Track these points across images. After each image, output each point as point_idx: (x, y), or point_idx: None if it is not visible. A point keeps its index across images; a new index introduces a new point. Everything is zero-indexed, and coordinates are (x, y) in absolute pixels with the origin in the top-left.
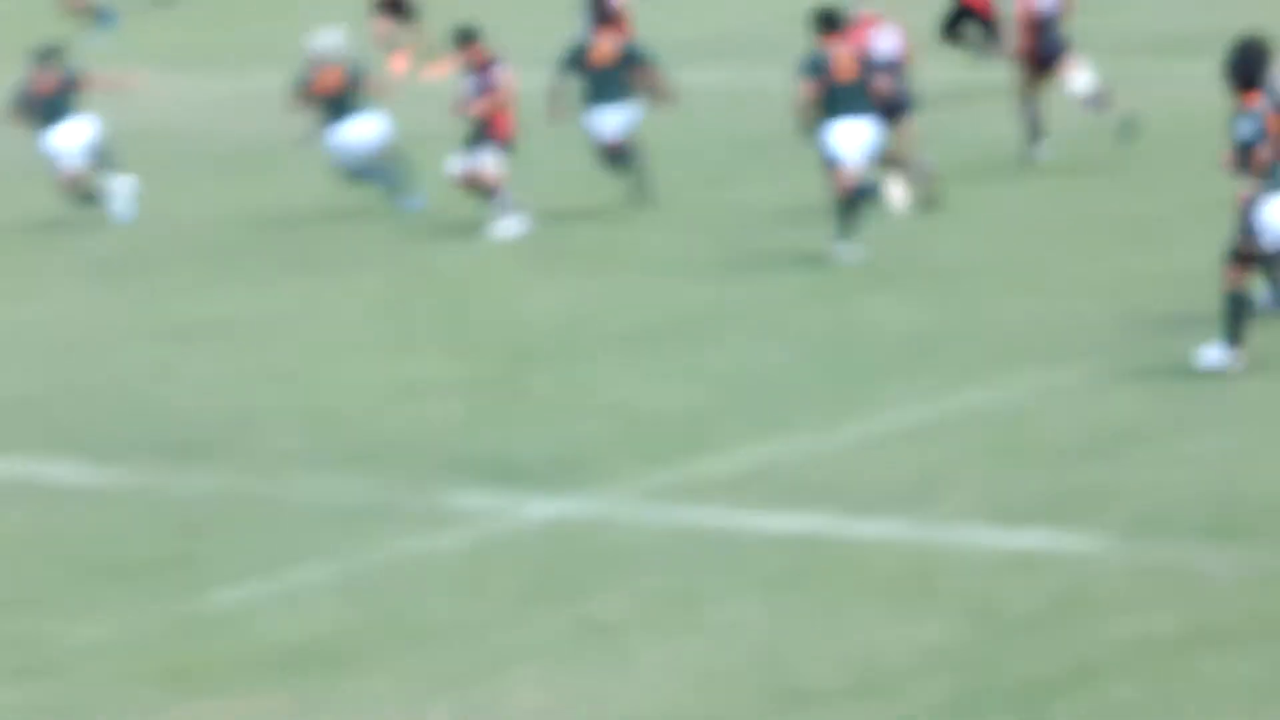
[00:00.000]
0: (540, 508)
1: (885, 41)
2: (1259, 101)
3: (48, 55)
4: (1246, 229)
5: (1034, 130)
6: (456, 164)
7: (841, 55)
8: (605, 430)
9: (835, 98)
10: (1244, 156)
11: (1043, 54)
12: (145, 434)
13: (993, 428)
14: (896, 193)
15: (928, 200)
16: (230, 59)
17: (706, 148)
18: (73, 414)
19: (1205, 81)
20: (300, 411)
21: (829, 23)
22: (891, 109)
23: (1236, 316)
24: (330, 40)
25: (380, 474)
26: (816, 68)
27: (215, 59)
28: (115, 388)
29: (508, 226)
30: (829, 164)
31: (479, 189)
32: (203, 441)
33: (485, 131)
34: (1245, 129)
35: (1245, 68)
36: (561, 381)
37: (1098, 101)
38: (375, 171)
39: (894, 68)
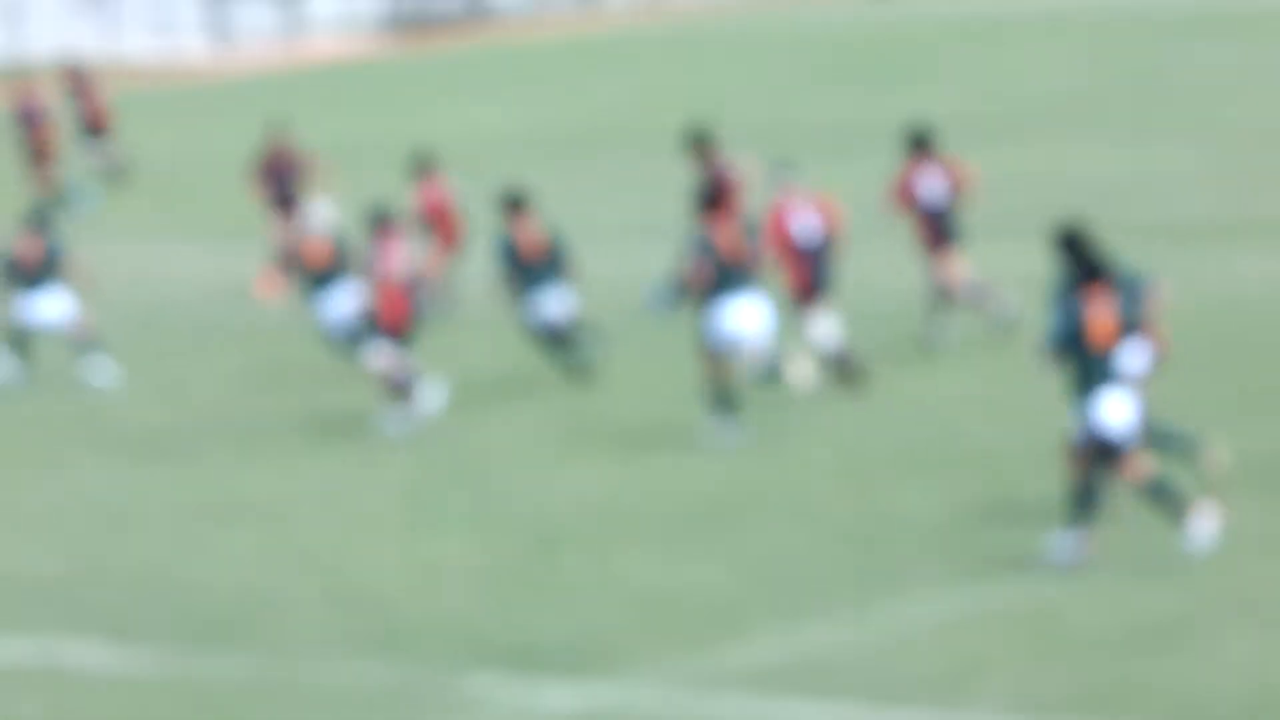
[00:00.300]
0: (561, 695)
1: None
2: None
3: (37, 222)
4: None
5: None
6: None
7: (727, 233)
8: (629, 616)
9: (726, 276)
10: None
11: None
12: (167, 615)
13: (1024, 619)
14: (802, 370)
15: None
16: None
17: None
18: (96, 594)
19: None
20: (323, 593)
21: (711, 201)
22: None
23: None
24: (321, 212)
25: (402, 658)
26: (704, 247)
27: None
28: (139, 568)
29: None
30: (721, 346)
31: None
32: (225, 623)
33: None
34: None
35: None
36: (586, 565)
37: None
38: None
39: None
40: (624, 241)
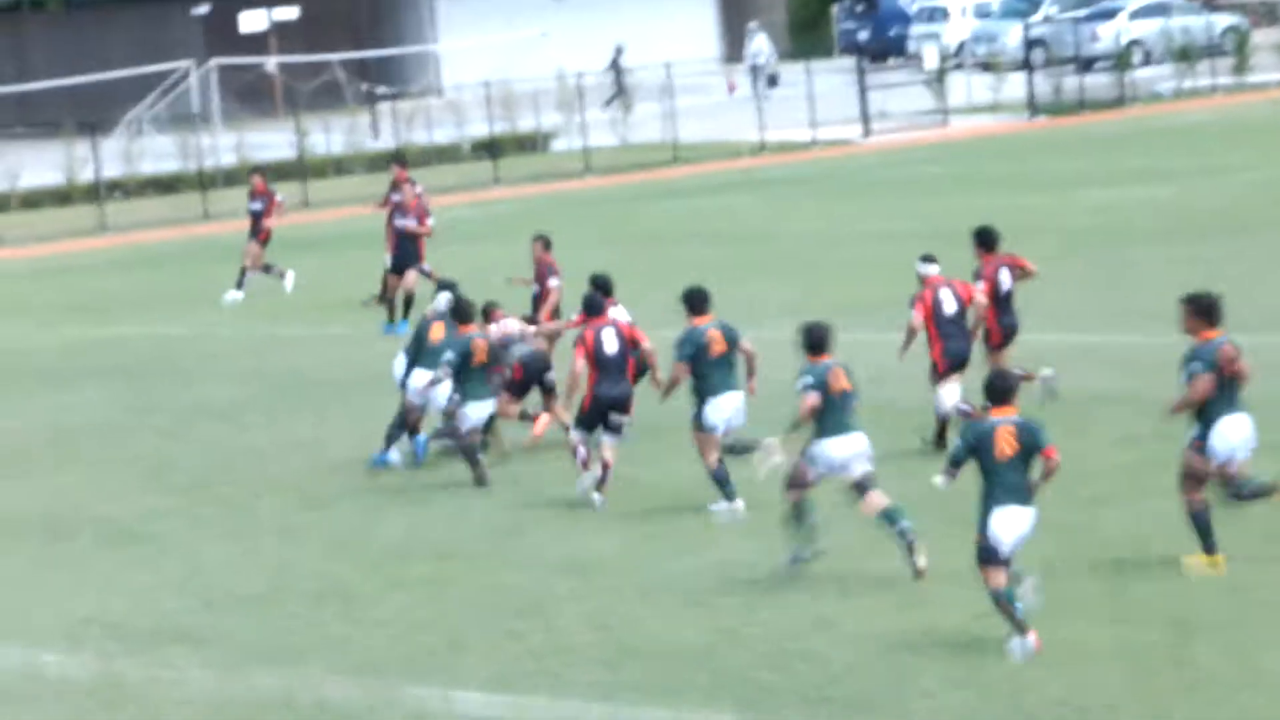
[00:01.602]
0: None
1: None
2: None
3: None
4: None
5: None
6: None
7: (713, 333)
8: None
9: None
10: None
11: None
12: (797, 686)
13: None
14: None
15: None
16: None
17: None
18: (732, 664)
19: None
20: (945, 677)
21: (693, 303)
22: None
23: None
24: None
25: None
26: (692, 345)
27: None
28: (776, 637)
29: None
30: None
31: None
32: (852, 697)
33: None
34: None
35: None
36: (1224, 652)
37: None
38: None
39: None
40: None
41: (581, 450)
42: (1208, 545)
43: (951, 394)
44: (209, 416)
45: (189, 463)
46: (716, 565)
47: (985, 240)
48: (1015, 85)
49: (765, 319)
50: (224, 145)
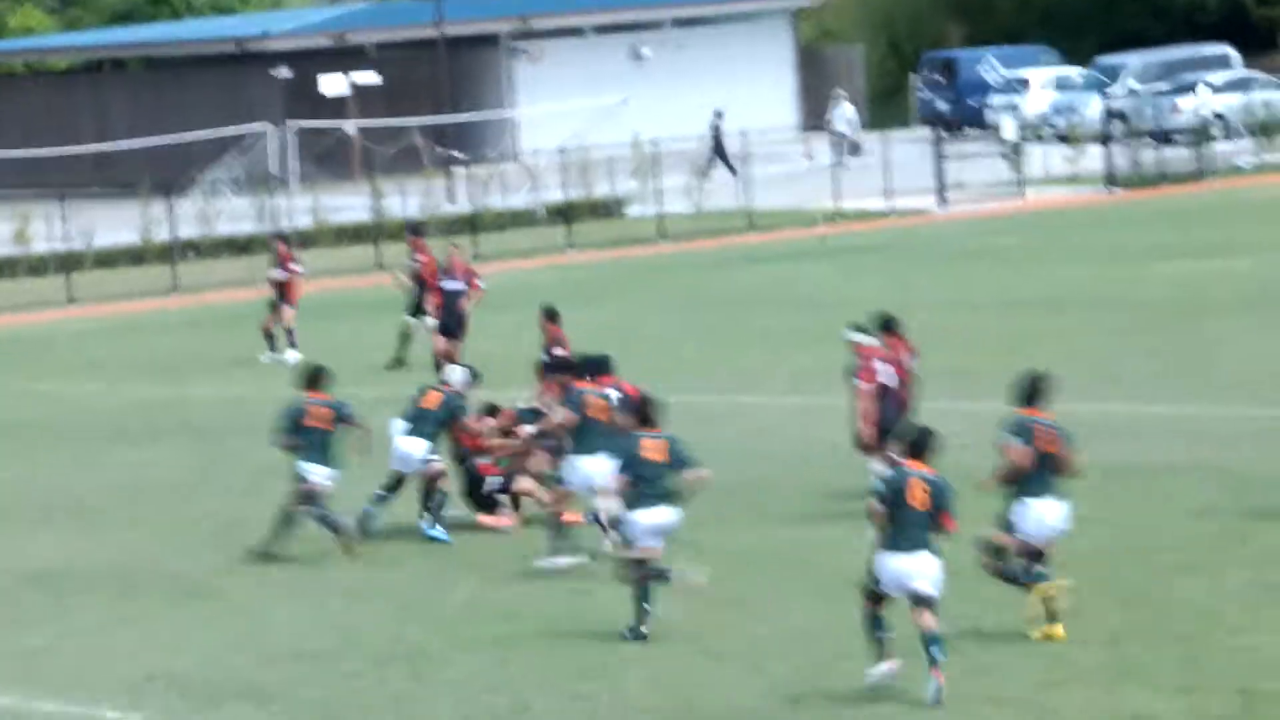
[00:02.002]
0: None
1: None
2: None
3: None
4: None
5: None
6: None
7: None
8: None
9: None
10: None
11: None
12: None
13: None
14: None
15: None
16: None
17: None
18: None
19: None
20: None
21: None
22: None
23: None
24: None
25: None
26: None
27: None
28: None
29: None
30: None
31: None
32: None
33: None
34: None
35: None
36: None
37: None
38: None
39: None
40: None
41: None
42: (1029, 581)
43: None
44: (278, 476)
45: (258, 521)
46: (781, 631)
47: (889, 326)
48: (1093, 158)
49: (835, 386)
50: (300, 207)
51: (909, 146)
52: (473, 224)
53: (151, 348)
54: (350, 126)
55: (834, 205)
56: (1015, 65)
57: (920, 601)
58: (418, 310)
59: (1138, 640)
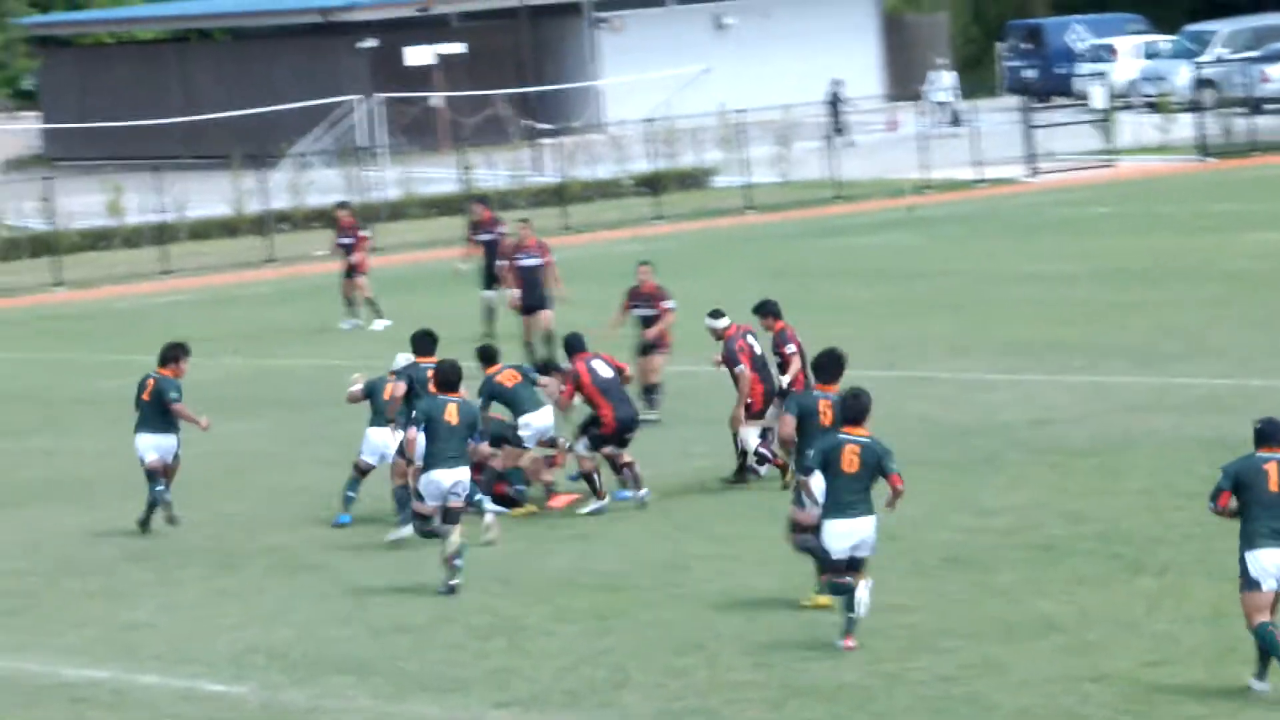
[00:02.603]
0: None
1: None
2: None
3: None
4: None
5: None
6: None
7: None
8: None
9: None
10: None
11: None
12: None
13: None
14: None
15: None
16: None
17: None
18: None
19: None
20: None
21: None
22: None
23: None
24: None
25: None
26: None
27: None
28: (934, 682)
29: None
30: None
31: None
32: None
33: None
34: None
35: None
36: None
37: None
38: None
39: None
40: None
41: (598, 478)
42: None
43: (753, 434)
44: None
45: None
46: (880, 607)
47: (772, 310)
48: (1184, 126)
49: (927, 358)
50: (389, 179)
51: (996, 115)
52: (560, 195)
53: (246, 319)
54: (436, 97)
55: (921, 176)
56: (1102, 33)
57: (856, 565)
58: (491, 282)
59: (1241, 618)
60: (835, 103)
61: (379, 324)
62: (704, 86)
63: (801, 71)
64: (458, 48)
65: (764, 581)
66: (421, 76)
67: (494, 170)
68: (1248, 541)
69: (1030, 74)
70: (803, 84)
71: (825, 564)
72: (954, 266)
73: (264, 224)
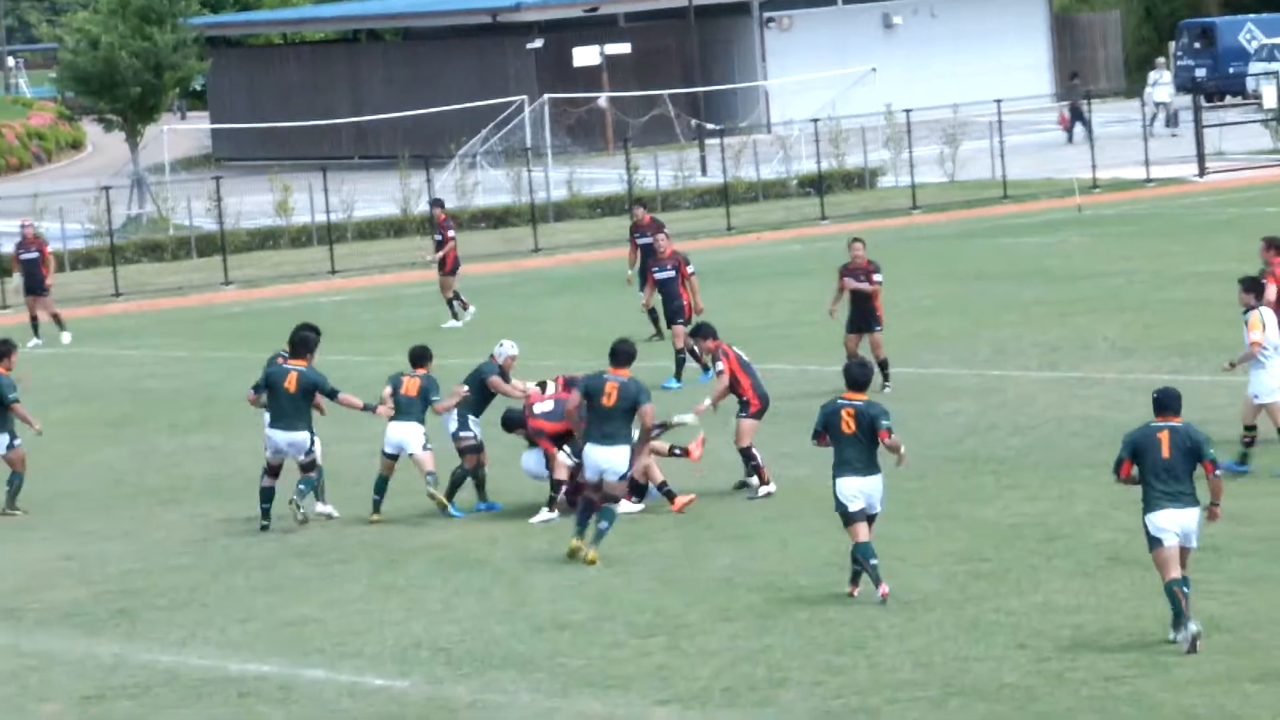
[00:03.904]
0: None
1: None
2: None
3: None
4: None
5: None
6: None
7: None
8: None
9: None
10: None
11: None
12: None
13: None
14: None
15: None
16: None
17: None
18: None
19: None
20: None
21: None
22: None
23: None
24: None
25: None
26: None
27: None
28: (1098, 681)
29: None
30: None
31: None
32: None
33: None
34: None
35: None
36: None
37: None
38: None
39: None
40: None
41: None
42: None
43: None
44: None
45: (518, 492)
46: (1040, 606)
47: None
48: None
49: (1092, 358)
50: (555, 179)
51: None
52: (724, 195)
53: (411, 318)
54: (603, 98)
55: (1089, 176)
56: (1275, 33)
57: (870, 519)
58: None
59: None
60: (1074, 99)
61: (450, 322)
62: (871, 86)
63: (969, 71)
64: (624, 48)
65: (926, 582)
66: (588, 76)
67: (659, 170)
68: (1146, 505)
69: (1201, 73)
70: (970, 84)
71: (845, 519)
72: (1121, 267)
73: (430, 224)
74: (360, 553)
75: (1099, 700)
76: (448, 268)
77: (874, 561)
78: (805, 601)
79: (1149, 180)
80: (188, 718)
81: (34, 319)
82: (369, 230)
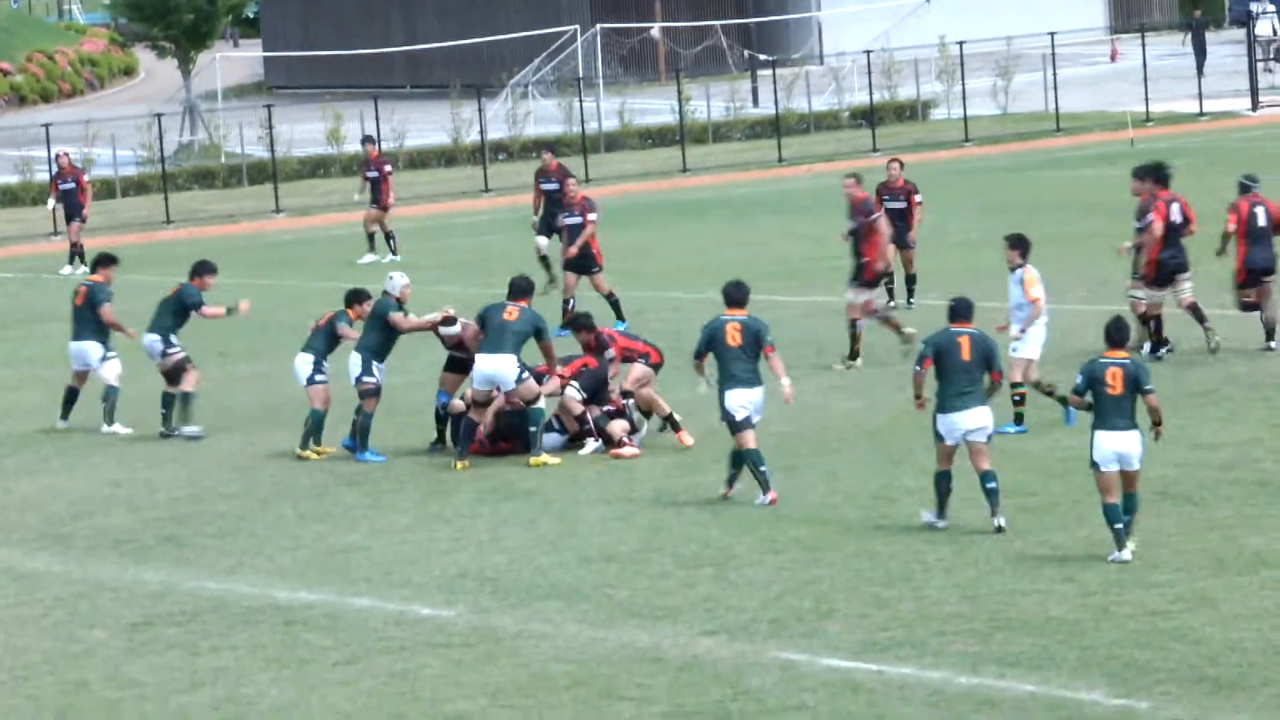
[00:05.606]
0: None
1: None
2: None
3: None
4: None
5: None
6: None
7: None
8: None
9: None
10: None
11: None
12: (1172, 665)
13: None
14: None
15: None
16: None
17: None
18: (1103, 638)
19: None
20: None
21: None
22: None
23: None
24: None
25: None
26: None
27: None
28: (1144, 616)
29: None
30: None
31: None
32: (1233, 679)
33: None
34: None
35: None
36: None
37: None
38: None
39: None
40: None
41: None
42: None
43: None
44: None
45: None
46: (1086, 540)
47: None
48: None
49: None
50: (606, 110)
51: (1221, 49)
52: (776, 127)
53: (462, 248)
54: (655, 28)
55: (1142, 109)
56: None
57: (749, 425)
58: (551, 231)
59: None
60: (1197, 34)
61: (369, 257)
62: (924, 18)
63: (1023, 4)
64: None
65: (972, 515)
66: (641, 6)
67: (710, 101)
68: (939, 404)
69: (1256, 7)
70: (1024, 16)
71: (731, 428)
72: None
73: (481, 154)
74: (409, 483)
75: (1145, 635)
76: (385, 201)
77: (764, 470)
78: (852, 534)
79: (1202, 114)
80: (235, 645)
81: (74, 245)
82: (419, 159)
